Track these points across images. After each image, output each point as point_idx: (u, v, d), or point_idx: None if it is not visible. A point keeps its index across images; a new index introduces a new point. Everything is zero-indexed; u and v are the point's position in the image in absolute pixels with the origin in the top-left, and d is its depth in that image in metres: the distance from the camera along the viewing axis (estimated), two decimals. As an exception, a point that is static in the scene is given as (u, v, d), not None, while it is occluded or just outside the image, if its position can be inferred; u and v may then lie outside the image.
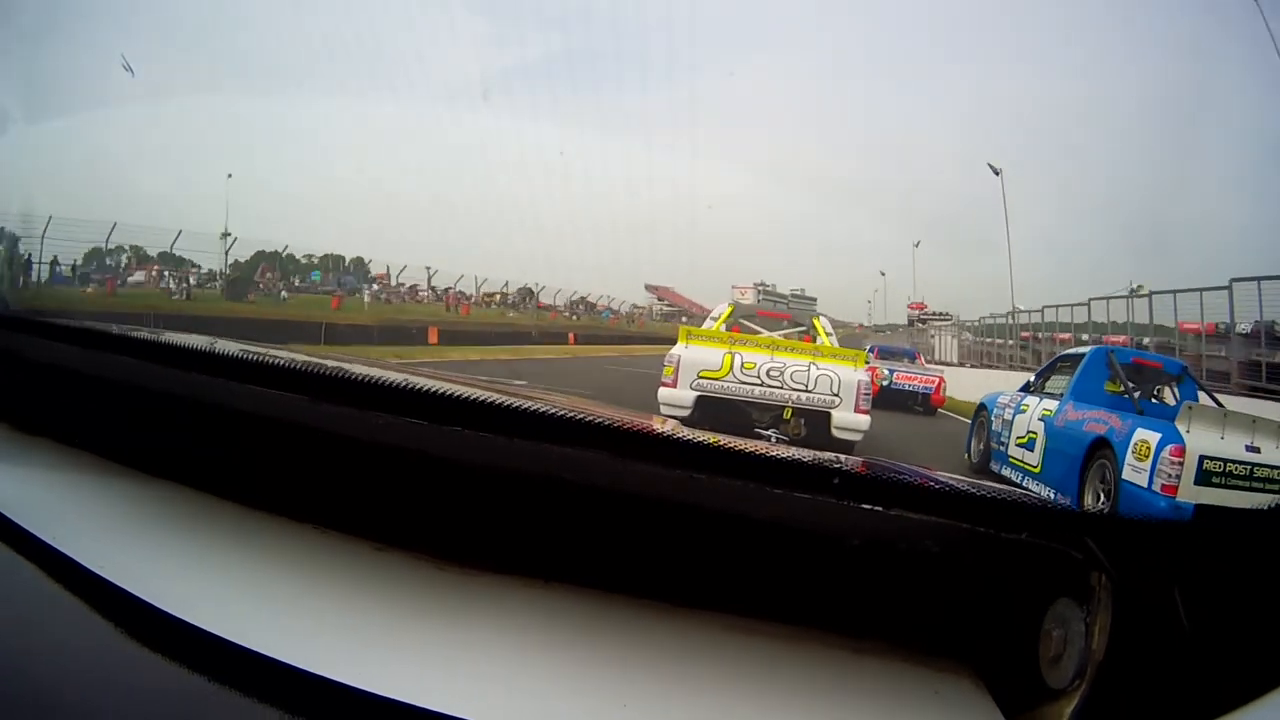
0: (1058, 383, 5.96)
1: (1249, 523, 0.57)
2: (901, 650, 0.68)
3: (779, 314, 8.14)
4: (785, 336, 6.77)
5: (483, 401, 0.70)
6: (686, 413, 5.57)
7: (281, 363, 0.81)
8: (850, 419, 5.57)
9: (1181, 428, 4.23)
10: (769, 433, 5.12)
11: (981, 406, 7.01)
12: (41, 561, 0.69)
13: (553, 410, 0.69)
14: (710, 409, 5.67)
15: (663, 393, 5.73)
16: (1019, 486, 5.75)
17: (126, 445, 0.92)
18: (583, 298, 43.61)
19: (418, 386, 0.73)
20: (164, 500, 0.83)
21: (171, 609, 0.61)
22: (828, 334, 6.82)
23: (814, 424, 5.64)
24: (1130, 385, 5.53)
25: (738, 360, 5.68)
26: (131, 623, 0.61)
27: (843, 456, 0.81)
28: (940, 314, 57.05)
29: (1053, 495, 5.27)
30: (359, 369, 0.79)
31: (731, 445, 0.67)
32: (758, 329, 7.08)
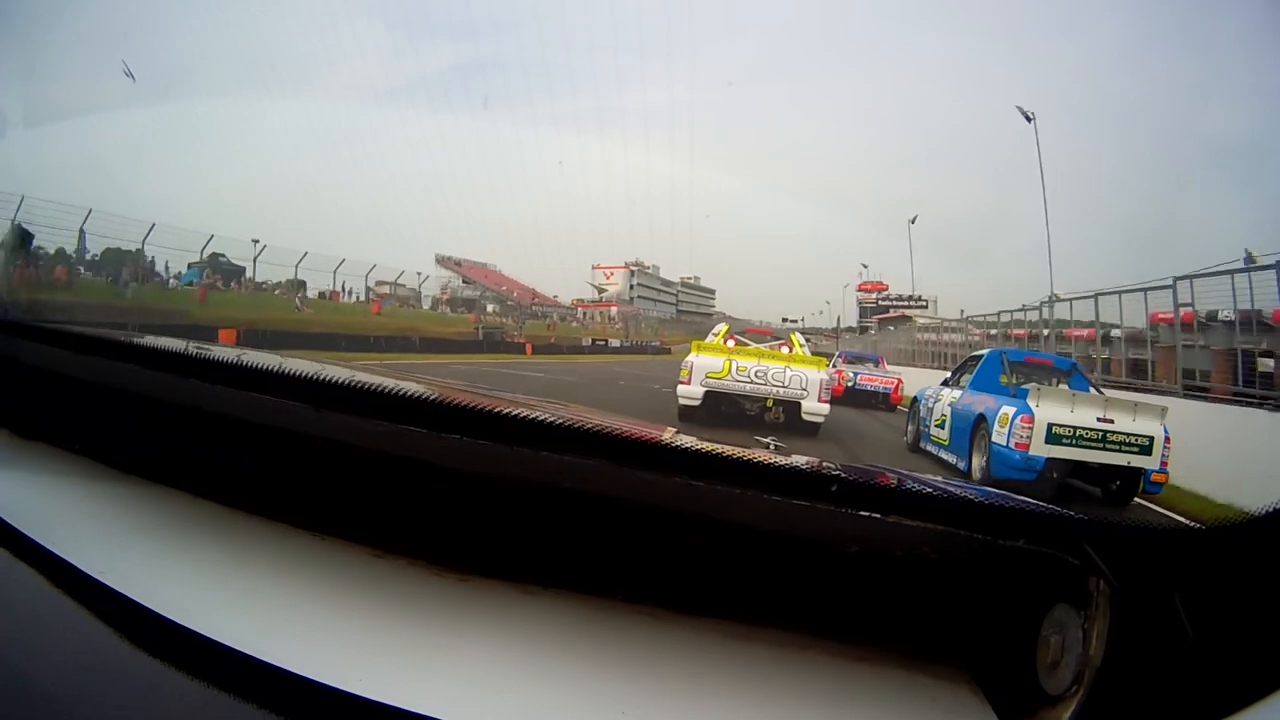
0: (965, 378, 7.32)
1: (1249, 527, 0.55)
2: (899, 657, 0.66)
3: (764, 330, 10.40)
4: (770, 347, 8.90)
5: (482, 410, 0.67)
6: (698, 403, 7.74)
7: (281, 369, 0.78)
8: (815, 407, 7.75)
9: (1032, 404, 5.69)
10: (768, 440, 6.17)
11: (915, 399, 8.45)
12: (41, 566, 0.67)
13: (552, 418, 0.67)
14: (715, 399, 7.81)
15: (680, 388, 7.84)
16: (938, 459, 7.13)
17: (125, 451, 0.88)
18: (215, 253, 22.61)
19: (418, 394, 0.71)
20: (163, 506, 0.80)
21: (171, 614, 0.59)
22: (801, 345, 9.01)
23: (789, 411, 7.85)
24: (1016, 378, 7.24)
25: (734, 365, 7.77)
26: (131, 628, 0.59)
27: (841, 464, 0.81)
28: (912, 299, 45.49)
29: (956, 460, 6.69)
30: (360, 376, 0.76)
31: (729, 453, 0.65)
32: (749, 342, 9.20)
